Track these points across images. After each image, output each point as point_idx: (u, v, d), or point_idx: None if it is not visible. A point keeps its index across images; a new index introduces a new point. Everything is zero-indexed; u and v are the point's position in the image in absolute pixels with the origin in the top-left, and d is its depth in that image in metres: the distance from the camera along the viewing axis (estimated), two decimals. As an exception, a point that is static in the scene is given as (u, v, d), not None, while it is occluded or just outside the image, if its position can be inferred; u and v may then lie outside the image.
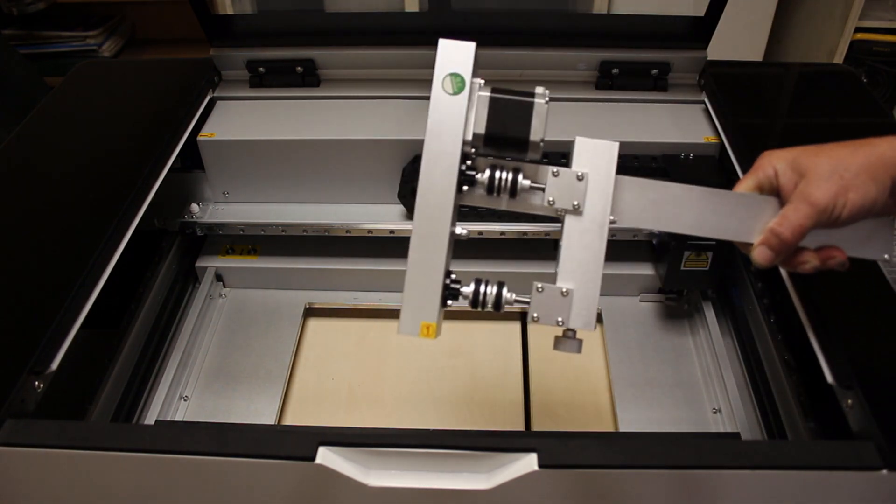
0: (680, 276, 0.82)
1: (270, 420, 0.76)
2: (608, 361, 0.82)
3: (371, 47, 0.94)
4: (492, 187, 0.51)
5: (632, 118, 0.89)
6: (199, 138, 0.87)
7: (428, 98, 0.98)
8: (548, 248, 0.92)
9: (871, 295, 0.61)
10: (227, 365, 0.84)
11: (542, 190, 0.51)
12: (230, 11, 1.81)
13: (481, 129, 0.50)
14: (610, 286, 0.90)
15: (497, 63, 0.95)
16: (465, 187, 0.52)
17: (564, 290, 0.50)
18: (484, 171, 0.51)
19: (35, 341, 0.56)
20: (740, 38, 1.86)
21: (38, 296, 0.62)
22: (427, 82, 1.03)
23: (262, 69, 0.95)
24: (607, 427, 0.76)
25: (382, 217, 0.89)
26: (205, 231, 0.91)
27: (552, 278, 0.51)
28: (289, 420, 0.78)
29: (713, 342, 0.80)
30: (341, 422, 0.78)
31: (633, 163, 0.83)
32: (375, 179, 0.89)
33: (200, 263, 0.92)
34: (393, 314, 0.89)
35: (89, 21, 2.01)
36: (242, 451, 0.49)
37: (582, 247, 0.51)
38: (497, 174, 0.51)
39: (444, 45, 0.50)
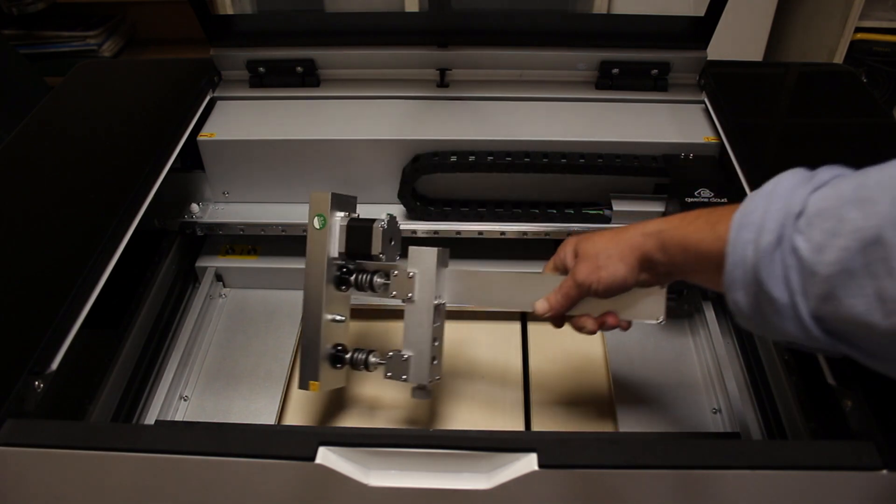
0: (680, 276, 0.82)
1: (270, 420, 0.76)
2: (608, 361, 0.82)
3: (371, 47, 0.94)
4: (358, 285, 0.72)
5: (632, 118, 0.89)
6: (199, 138, 0.87)
7: (429, 98, 0.99)
8: (547, 248, 0.92)
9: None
10: (227, 365, 0.84)
11: (388, 284, 0.71)
12: (230, 11, 1.81)
13: (343, 248, 0.71)
14: (610, 286, 0.90)
15: (497, 63, 0.95)
16: (344, 286, 0.72)
17: (405, 356, 0.68)
18: (352, 275, 0.72)
19: (35, 341, 0.56)
20: (740, 38, 1.86)
21: (38, 296, 0.62)
22: (428, 82, 1.04)
23: (262, 69, 0.95)
24: (607, 427, 0.76)
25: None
26: (205, 231, 0.91)
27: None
28: (289, 420, 0.78)
29: (713, 342, 0.80)
30: (341, 422, 0.78)
31: (634, 163, 0.83)
32: (376, 179, 0.89)
33: (200, 263, 0.92)
34: (393, 314, 0.90)
35: (89, 21, 2.01)
36: (242, 451, 0.49)
37: (416, 325, 0.68)
38: (360, 277, 0.72)
39: (312, 196, 0.71)
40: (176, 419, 0.77)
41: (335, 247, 0.71)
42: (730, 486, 0.50)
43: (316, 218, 0.71)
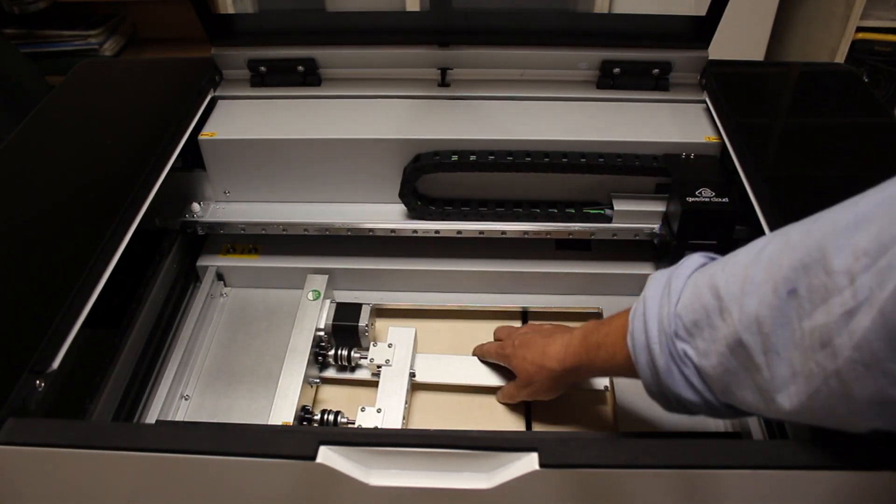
0: (681, 276, 0.82)
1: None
2: (609, 361, 0.82)
3: (372, 47, 0.94)
4: (336, 359, 0.81)
5: (633, 117, 0.89)
6: (200, 137, 0.87)
7: (430, 97, 0.99)
8: (548, 248, 0.92)
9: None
10: (228, 364, 0.84)
11: (367, 358, 0.80)
12: (231, 10, 1.82)
13: (330, 321, 0.82)
14: (611, 286, 0.90)
15: (498, 62, 0.95)
16: (321, 358, 0.81)
17: (378, 409, 0.74)
18: (331, 349, 0.81)
19: (36, 340, 0.56)
20: (742, 37, 1.86)
21: (39, 295, 0.62)
22: (429, 81, 1.04)
23: (263, 68, 0.95)
24: (607, 427, 0.76)
25: (384, 216, 0.89)
26: (206, 230, 0.91)
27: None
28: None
29: (714, 342, 0.80)
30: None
31: (635, 162, 0.83)
32: (377, 178, 0.89)
33: (201, 262, 0.92)
34: (393, 313, 0.90)
35: (90, 20, 2.01)
36: (243, 450, 0.49)
37: (391, 384, 0.77)
38: (339, 351, 0.81)
39: (309, 276, 0.87)
40: (177, 418, 0.77)
41: (323, 319, 0.81)
42: (730, 486, 0.50)
43: (311, 292, 0.84)
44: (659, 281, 0.54)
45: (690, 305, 0.50)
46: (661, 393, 0.54)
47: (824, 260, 0.41)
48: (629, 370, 0.56)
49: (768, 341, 0.44)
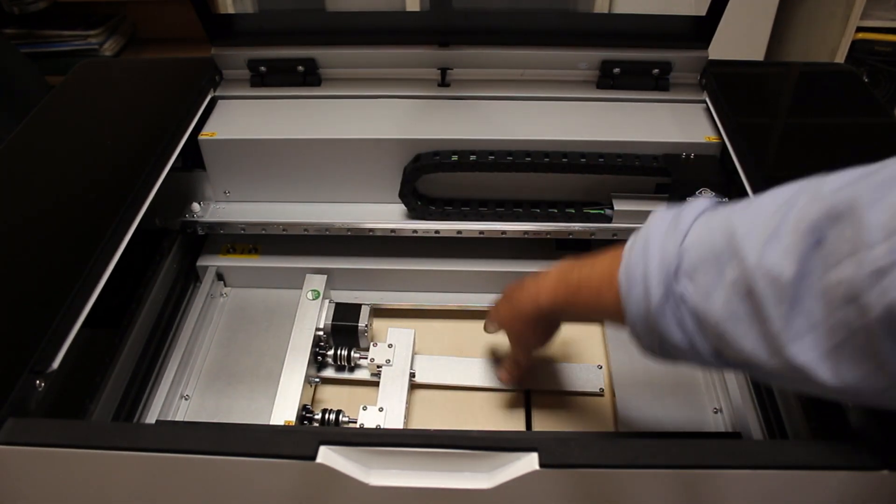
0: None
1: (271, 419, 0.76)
2: (608, 361, 0.82)
3: (372, 47, 0.94)
4: (336, 359, 0.81)
5: (633, 118, 0.89)
6: (200, 137, 0.87)
7: (430, 97, 0.99)
8: (548, 248, 0.92)
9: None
10: (228, 364, 0.84)
11: (367, 358, 0.80)
12: (231, 10, 1.82)
13: (329, 321, 0.82)
14: (611, 286, 0.90)
15: (498, 62, 0.95)
16: (320, 357, 0.81)
17: (380, 408, 0.75)
18: (331, 349, 0.81)
19: (36, 340, 0.56)
20: (742, 37, 1.86)
21: (39, 295, 0.62)
22: (429, 81, 1.03)
23: (263, 68, 0.95)
24: (607, 427, 0.76)
25: (384, 216, 0.89)
26: (206, 230, 0.91)
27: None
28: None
29: (714, 342, 0.80)
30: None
31: (635, 162, 0.83)
32: (377, 178, 0.89)
33: (201, 262, 0.92)
34: (394, 313, 0.90)
35: (90, 20, 2.01)
36: (243, 450, 0.49)
37: (392, 384, 0.77)
38: (337, 352, 0.81)
39: (308, 276, 0.88)
40: (177, 418, 0.77)
41: (322, 319, 0.82)
42: (730, 485, 0.50)
43: (310, 291, 0.85)
44: (664, 218, 0.52)
45: (699, 244, 0.48)
46: (647, 332, 0.51)
47: (856, 212, 0.39)
48: (613, 311, 0.53)
49: (786, 291, 0.42)
